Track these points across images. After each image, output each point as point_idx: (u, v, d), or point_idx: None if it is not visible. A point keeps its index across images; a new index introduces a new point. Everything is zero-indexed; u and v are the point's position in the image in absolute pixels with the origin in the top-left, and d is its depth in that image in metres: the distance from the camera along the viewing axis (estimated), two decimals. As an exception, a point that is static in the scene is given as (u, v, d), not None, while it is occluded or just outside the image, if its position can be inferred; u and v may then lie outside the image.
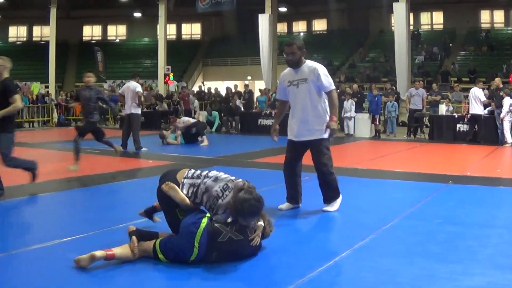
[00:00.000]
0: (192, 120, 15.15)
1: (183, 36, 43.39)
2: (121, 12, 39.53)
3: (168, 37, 31.45)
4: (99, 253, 4.08)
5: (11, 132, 7.00)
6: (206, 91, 28.02)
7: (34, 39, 41.93)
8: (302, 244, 4.86)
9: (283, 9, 33.69)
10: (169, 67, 29.18)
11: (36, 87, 29.41)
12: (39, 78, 31.95)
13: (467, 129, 15.65)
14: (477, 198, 7.12)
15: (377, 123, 17.54)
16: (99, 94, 9.89)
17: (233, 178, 4.47)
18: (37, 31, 41.91)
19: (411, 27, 26.14)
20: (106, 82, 33.95)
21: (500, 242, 4.89)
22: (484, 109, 15.48)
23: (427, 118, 17.70)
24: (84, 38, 42.99)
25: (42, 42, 38.42)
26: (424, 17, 37.17)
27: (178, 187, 4.44)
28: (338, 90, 20.74)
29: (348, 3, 35.33)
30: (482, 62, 29.86)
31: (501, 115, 14.48)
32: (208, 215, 4.31)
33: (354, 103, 17.84)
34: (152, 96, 23.43)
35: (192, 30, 43.42)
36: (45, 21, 31.44)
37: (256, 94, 23.12)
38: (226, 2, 25.82)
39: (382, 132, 17.98)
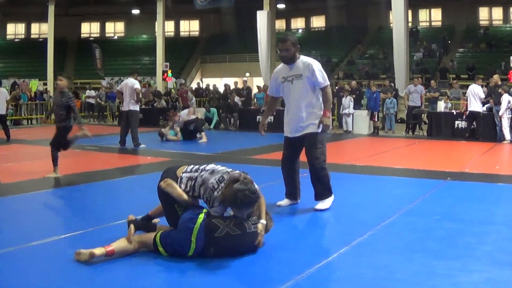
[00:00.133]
0: (192, 116, 15.19)
1: (182, 33, 43.33)
2: (119, 9, 39.46)
3: (166, 34, 31.40)
4: (98, 250, 4.08)
5: None
6: (204, 87, 27.98)
7: (32, 36, 41.84)
8: (300, 241, 4.86)
9: (281, 6, 33.65)
10: (168, 64, 29.15)
11: (35, 84, 29.33)
12: (37, 75, 31.87)
13: (466, 126, 15.66)
14: (475, 195, 7.13)
15: (376, 119, 17.53)
16: (68, 102, 8.54)
17: (229, 170, 4.47)
18: (35, 28, 41.83)
19: (410, 24, 26.13)
20: (104, 79, 33.93)
21: (498, 239, 4.89)
22: (483, 106, 15.49)
23: (426, 115, 17.69)
24: (82, 35, 42.93)
25: (40, 39, 38.41)
26: (423, 14, 37.14)
27: (177, 181, 4.46)
28: (336, 87, 20.85)
29: (346, 0, 35.31)
30: (480, 59, 29.86)
31: (500, 113, 14.47)
32: (205, 210, 4.31)
33: (352, 100, 17.83)
34: (150, 93, 23.39)
35: (190, 27, 43.37)
36: (43, 18, 31.39)
37: (254, 91, 23.08)
38: (224, -1, 25.79)
39: (381, 128, 17.98)
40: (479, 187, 7.70)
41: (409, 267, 4.03)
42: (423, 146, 14.04)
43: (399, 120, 19.69)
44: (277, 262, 4.21)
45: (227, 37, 38.10)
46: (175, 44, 36.85)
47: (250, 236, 4.27)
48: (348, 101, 17.68)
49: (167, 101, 23.54)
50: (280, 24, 38.83)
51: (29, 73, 32.78)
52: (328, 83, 6.00)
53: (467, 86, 16.54)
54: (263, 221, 4.44)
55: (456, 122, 16.08)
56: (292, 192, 6.23)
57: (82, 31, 43.02)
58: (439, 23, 36.30)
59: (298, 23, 41.47)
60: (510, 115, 14.51)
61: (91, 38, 41.73)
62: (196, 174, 4.48)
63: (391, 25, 24.10)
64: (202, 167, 4.55)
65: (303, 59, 6.00)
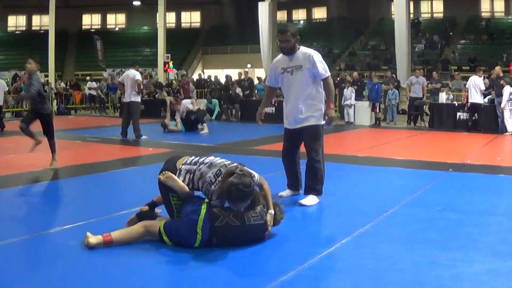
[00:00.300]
0: (192, 106, 15.19)
1: (183, 24, 43.26)
2: (120, 0, 39.39)
3: (167, 25, 31.30)
4: (94, 239, 4.15)
5: None
6: (206, 78, 27.96)
7: (33, 28, 41.82)
8: (302, 231, 4.86)
9: (282, -3, 33.53)
10: (169, 55, 29.09)
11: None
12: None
13: (467, 117, 15.65)
14: (477, 186, 7.12)
15: (377, 111, 17.53)
16: (32, 84, 8.16)
17: (227, 163, 4.45)
18: (36, 20, 41.79)
19: (411, 15, 26.04)
20: (105, 71, 33.87)
21: (500, 230, 4.89)
22: (484, 98, 15.45)
23: (427, 106, 17.68)
24: (83, 26, 42.90)
25: (42, 31, 38.29)
26: (425, 6, 37.05)
27: (176, 173, 4.46)
28: (338, 78, 20.81)
29: (348, -9, 35.27)
30: (482, 51, 29.82)
31: (502, 105, 14.44)
32: (206, 200, 4.32)
33: (354, 91, 17.81)
34: (151, 84, 23.37)
35: (191, 18, 43.28)
36: (44, 10, 31.27)
37: (256, 82, 23.05)
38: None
39: (382, 120, 17.98)
40: (481, 178, 7.70)
41: (411, 258, 4.03)
42: (425, 137, 14.03)
43: (400, 111, 19.69)
44: (279, 253, 4.21)
45: (228, 29, 38.05)
46: (176, 36, 36.81)
47: (252, 228, 4.26)
48: (349, 92, 17.66)
49: (168, 93, 23.51)
50: (282, 15, 38.72)
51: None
52: (329, 74, 5.95)
53: (468, 78, 16.50)
54: (271, 211, 4.43)
55: (458, 114, 16.07)
56: (294, 183, 6.23)
57: (83, 23, 42.99)
58: (441, 15, 36.21)
59: (299, 14, 41.38)
60: (512, 107, 14.49)
61: (92, 30, 41.69)
62: (194, 167, 4.47)
63: (393, 16, 24.08)
64: (201, 159, 4.54)
65: (303, 50, 5.95)
